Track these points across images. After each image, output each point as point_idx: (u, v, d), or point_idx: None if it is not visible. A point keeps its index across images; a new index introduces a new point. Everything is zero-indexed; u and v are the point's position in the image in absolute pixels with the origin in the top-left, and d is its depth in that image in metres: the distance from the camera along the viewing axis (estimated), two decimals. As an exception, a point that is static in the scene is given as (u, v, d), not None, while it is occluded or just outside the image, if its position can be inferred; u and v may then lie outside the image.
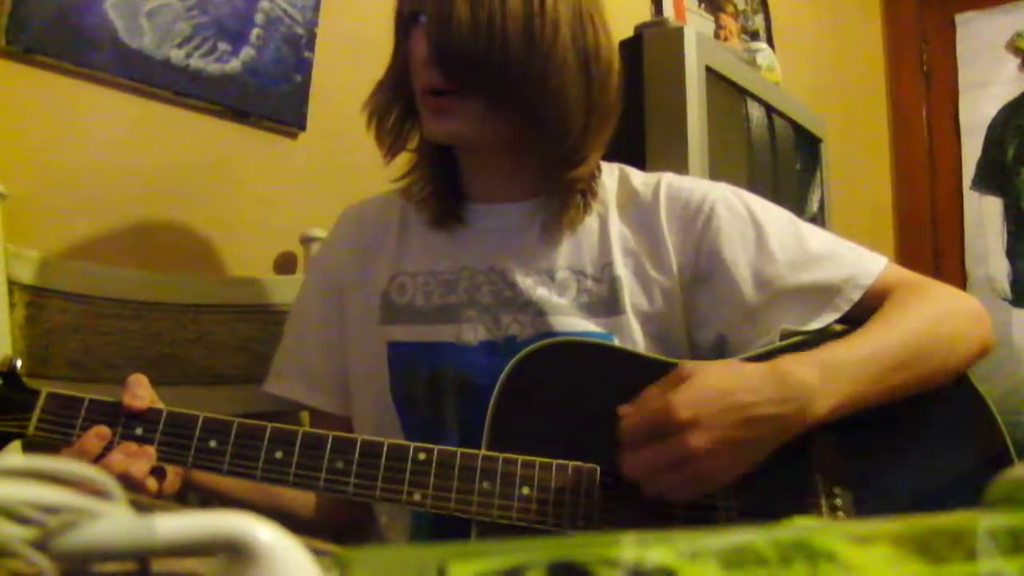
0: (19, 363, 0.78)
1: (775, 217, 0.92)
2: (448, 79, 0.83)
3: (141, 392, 0.77)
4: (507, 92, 0.83)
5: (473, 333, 0.89)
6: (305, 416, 1.12)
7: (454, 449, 0.75)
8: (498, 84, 0.83)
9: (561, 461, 0.75)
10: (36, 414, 0.75)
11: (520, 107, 0.84)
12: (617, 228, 0.91)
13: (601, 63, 0.86)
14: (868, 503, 0.77)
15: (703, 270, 0.89)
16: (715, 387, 0.71)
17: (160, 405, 0.78)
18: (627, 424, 0.72)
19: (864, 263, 0.89)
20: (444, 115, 0.86)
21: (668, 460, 0.70)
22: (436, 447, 0.75)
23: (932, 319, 0.83)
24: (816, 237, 0.91)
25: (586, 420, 0.78)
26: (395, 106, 0.92)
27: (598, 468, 0.75)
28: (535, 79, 0.82)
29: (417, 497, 0.74)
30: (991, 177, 2.96)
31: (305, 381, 0.99)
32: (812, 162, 1.97)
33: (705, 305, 0.89)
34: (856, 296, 0.86)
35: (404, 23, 0.89)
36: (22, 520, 0.29)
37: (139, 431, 0.76)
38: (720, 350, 0.88)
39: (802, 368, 0.74)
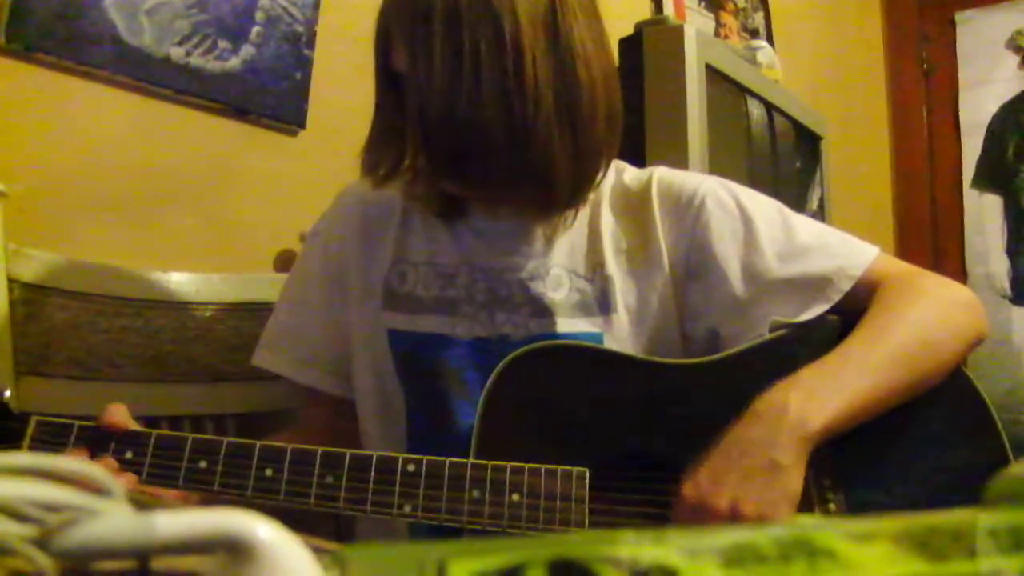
0: (8, 393, 0.78)
1: (764, 209, 0.91)
2: (435, 169, 0.84)
3: (114, 409, 0.77)
4: (491, 176, 0.83)
5: (466, 327, 0.89)
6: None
7: (442, 459, 0.75)
8: (481, 173, 0.83)
9: (550, 466, 0.75)
10: (26, 443, 0.75)
11: (507, 181, 0.84)
12: (608, 226, 0.91)
13: (584, 111, 0.82)
14: (861, 503, 0.77)
15: (694, 265, 0.89)
16: (707, 461, 0.74)
17: (133, 426, 0.78)
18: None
19: (854, 253, 0.88)
20: (445, 180, 0.87)
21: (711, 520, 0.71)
22: (424, 458, 0.75)
23: (924, 315, 0.83)
24: (806, 228, 0.91)
25: (575, 423, 0.78)
26: (393, 155, 0.89)
27: (587, 471, 0.75)
28: (519, 159, 0.80)
29: (408, 509, 0.74)
30: (991, 175, 2.96)
31: (300, 357, 0.97)
32: (812, 160, 1.97)
33: (696, 300, 0.89)
34: (846, 287, 0.86)
35: (391, 77, 0.86)
36: (22, 518, 0.29)
37: (129, 455, 0.76)
38: (712, 344, 0.88)
39: (774, 393, 0.75)
